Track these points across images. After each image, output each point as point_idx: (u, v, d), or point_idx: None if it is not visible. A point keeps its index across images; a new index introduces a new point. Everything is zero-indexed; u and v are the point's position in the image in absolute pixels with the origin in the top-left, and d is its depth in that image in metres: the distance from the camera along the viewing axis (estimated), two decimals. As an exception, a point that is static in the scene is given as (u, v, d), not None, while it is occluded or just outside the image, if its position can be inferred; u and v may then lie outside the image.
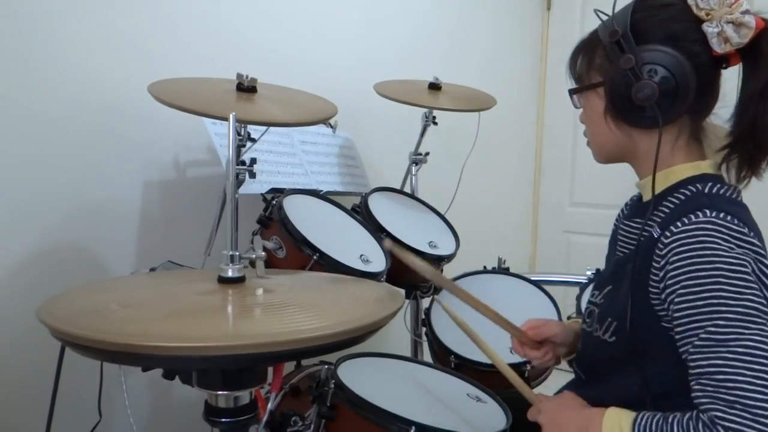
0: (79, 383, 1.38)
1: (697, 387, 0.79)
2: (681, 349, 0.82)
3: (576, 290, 1.76)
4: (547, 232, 3.23)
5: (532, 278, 1.81)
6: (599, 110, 0.96)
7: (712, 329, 0.78)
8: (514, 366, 1.46)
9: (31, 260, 1.47)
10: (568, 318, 1.51)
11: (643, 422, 0.82)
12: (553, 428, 0.97)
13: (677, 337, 0.83)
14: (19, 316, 1.40)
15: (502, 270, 1.86)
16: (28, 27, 1.42)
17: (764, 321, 0.77)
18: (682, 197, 0.90)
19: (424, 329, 1.72)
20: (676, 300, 0.82)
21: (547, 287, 1.77)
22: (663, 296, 0.85)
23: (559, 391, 1.12)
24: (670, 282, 0.83)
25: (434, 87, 1.91)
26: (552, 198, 3.20)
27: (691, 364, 0.80)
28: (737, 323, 0.77)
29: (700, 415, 0.78)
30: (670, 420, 0.81)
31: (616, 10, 0.94)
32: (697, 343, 0.79)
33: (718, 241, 0.80)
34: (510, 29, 2.94)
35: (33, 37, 1.43)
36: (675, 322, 0.83)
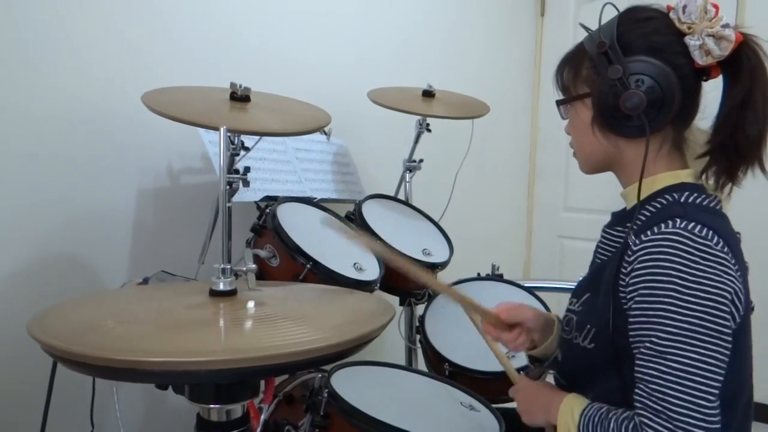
0: (71, 393, 1.38)
1: (636, 391, 0.83)
2: (634, 353, 0.85)
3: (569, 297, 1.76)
4: (542, 237, 3.23)
5: (525, 285, 1.81)
6: (586, 120, 0.98)
7: (655, 340, 0.81)
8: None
9: (24, 268, 1.46)
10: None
11: (590, 412, 0.88)
12: (523, 406, 1.05)
13: (631, 342, 0.86)
14: (10, 326, 1.40)
15: (495, 277, 1.87)
16: (23, 35, 1.42)
17: (711, 340, 0.79)
18: (658, 206, 0.92)
19: (418, 336, 1.72)
20: (633, 306, 0.85)
21: (540, 294, 1.77)
22: (629, 303, 0.87)
23: None
24: (630, 288, 0.86)
25: (428, 94, 1.92)
26: (546, 203, 3.20)
27: (636, 368, 0.84)
28: (679, 338, 0.80)
29: (634, 417, 0.83)
30: (611, 414, 0.86)
31: (601, 24, 0.96)
32: (642, 350, 0.83)
33: (681, 253, 0.81)
34: (504, 36, 2.95)
35: (27, 45, 1.43)
36: (630, 328, 0.86)
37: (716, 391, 0.79)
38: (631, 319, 0.85)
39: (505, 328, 1.13)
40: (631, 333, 0.85)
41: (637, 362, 0.84)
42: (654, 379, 0.80)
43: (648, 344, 0.82)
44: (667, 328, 0.80)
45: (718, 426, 0.79)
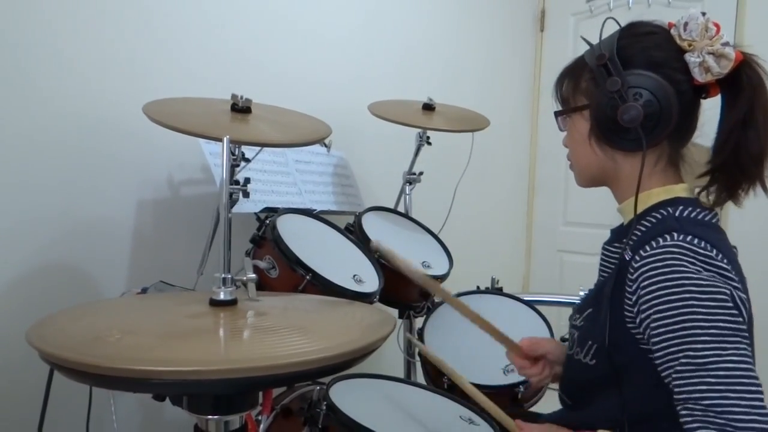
0: (67, 405, 1.36)
1: (684, 412, 0.80)
2: (663, 374, 0.83)
3: (569, 311, 1.76)
4: (541, 251, 3.23)
5: (525, 298, 1.80)
6: (584, 132, 0.98)
7: (691, 353, 0.79)
8: (509, 387, 1.47)
9: (23, 278, 1.46)
10: (562, 339, 1.51)
11: None
12: None
13: (657, 362, 0.84)
14: (8, 336, 1.39)
15: (495, 290, 1.86)
16: (23, 47, 1.43)
17: (739, 339, 0.79)
18: (653, 221, 0.91)
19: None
20: (652, 326, 0.83)
21: (540, 307, 1.77)
22: (637, 321, 0.86)
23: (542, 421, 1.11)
24: (643, 307, 0.84)
25: (428, 107, 1.93)
26: (545, 217, 3.20)
27: (676, 389, 0.81)
28: (714, 345, 0.78)
29: None
30: None
31: (602, 38, 0.97)
32: (678, 368, 0.80)
33: (685, 263, 0.81)
34: (504, 50, 2.97)
35: (28, 57, 1.44)
36: (654, 348, 0.84)
37: (762, 389, 0.77)
38: (653, 339, 0.83)
39: (529, 362, 1.12)
40: (656, 353, 0.83)
41: (677, 382, 0.81)
42: (705, 394, 0.77)
43: (683, 359, 0.79)
44: (700, 338, 0.78)
45: None
